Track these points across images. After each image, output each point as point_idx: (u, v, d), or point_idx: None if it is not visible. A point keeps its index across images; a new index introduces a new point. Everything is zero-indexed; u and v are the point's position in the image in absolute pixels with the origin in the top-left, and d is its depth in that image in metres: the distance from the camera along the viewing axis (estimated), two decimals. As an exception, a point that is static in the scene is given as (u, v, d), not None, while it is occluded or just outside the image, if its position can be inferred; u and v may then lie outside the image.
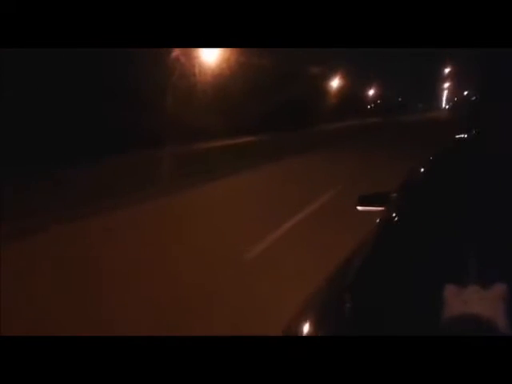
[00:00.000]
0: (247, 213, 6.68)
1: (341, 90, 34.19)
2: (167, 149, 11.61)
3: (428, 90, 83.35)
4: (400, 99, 69.15)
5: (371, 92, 49.21)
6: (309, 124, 25.10)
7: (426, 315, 0.96)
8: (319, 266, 2.21)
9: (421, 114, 65.97)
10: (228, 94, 15.76)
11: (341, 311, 1.34)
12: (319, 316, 1.38)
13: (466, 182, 1.78)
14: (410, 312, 1.13)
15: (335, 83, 33.74)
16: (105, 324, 3.16)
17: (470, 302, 0.86)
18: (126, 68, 11.67)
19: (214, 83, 15.09)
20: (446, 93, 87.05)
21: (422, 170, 2.26)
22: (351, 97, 37.27)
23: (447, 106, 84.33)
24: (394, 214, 1.84)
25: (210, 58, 14.73)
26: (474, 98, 32.90)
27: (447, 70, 68.83)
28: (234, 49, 14.81)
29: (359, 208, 2.66)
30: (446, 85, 79.70)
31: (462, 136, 2.86)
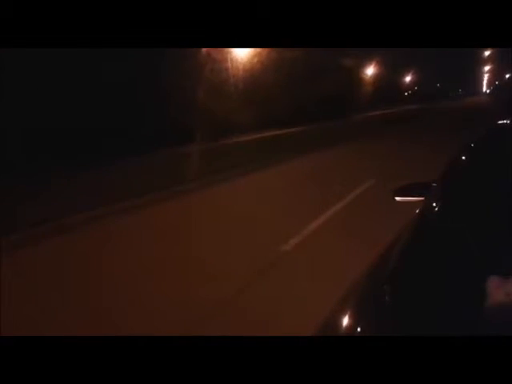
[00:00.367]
0: (281, 207, 6.65)
1: (376, 77, 33.56)
2: (199, 144, 11.73)
3: (468, 74, 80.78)
4: (439, 85, 67.39)
5: (408, 78, 48.10)
6: (343, 114, 24.82)
7: (467, 307, 0.96)
8: (356, 259, 2.17)
9: (461, 99, 64.06)
10: (260, 87, 15.75)
11: (381, 305, 1.30)
12: (358, 310, 1.35)
13: (509, 170, 1.70)
14: (453, 304, 1.09)
15: (370, 71, 33.11)
16: (141, 325, 3.18)
17: None
18: (158, 63, 11.80)
19: (246, 76, 15.11)
20: (486, 77, 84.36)
21: (463, 157, 2.17)
22: (387, 84, 36.51)
23: (488, 91, 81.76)
24: (434, 204, 1.79)
25: (243, 51, 14.73)
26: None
27: (487, 54, 66.59)
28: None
29: (397, 199, 2.59)
30: (487, 68, 77.16)
31: (504, 122, 2.74)
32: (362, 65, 31.80)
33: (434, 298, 1.17)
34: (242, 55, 14.85)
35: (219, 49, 13.70)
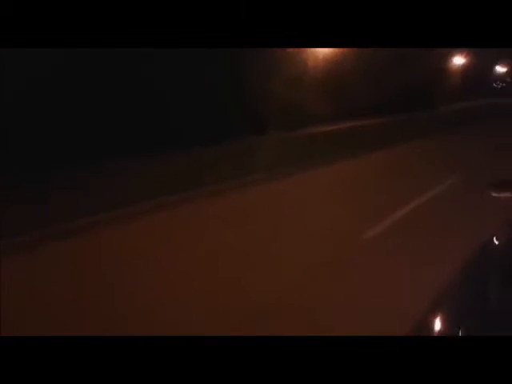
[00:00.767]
0: (359, 199, 6.52)
1: (462, 68, 30.67)
2: (273, 135, 11.53)
3: None
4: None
5: (499, 69, 43.89)
6: (426, 106, 23.37)
7: None
8: (442, 254, 2.05)
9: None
10: (338, 79, 15.26)
11: (485, 307, 1.19)
12: (458, 312, 1.24)
13: None
14: None
15: (456, 61, 29.93)
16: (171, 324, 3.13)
17: None
18: (227, 54, 11.37)
19: (324, 68, 14.67)
20: None
21: None
22: (474, 75, 33.51)
23: None
24: None
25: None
26: None
27: None
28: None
29: (494, 194, 2.45)
30: None
31: None
32: (451, 52, 29.18)
33: None
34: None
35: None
